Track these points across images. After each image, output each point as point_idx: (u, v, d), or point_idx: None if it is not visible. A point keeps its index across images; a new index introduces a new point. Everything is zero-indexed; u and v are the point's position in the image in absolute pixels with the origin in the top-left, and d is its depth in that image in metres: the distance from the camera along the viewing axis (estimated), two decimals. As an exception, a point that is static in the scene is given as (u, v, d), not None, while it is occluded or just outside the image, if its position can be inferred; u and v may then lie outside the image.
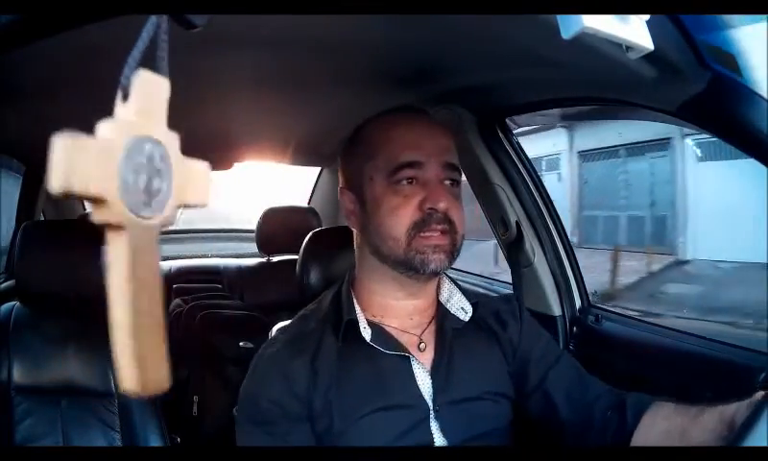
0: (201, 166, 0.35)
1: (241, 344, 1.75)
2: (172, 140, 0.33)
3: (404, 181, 0.82)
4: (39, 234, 1.31)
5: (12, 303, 1.30)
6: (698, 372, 1.08)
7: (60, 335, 1.25)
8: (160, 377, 0.32)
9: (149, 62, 0.33)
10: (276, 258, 2.22)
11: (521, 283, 1.39)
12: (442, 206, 0.80)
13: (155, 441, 1.22)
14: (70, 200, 2.30)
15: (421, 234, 0.81)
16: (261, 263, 2.27)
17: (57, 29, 0.50)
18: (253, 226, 2.26)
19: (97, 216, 0.30)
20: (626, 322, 1.29)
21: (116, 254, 0.31)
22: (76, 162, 0.28)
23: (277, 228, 2.18)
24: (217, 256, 2.54)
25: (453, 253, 0.83)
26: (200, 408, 1.81)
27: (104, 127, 0.30)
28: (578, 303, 1.35)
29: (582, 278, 1.37)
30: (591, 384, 0.89)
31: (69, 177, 0.28)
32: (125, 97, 0.32)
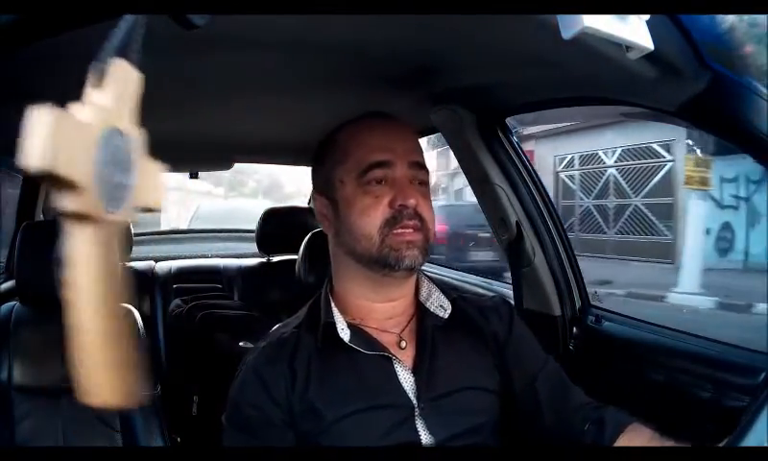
0: (155, 167, 0.33)
1: (241, 344, 1.75)
2: (137, 136, 0.32)
3: (374, 182, 0.84)
4: (39, 234, 1.31)
5: (12, 303, 1.30)
6: (698, 372, 1.08)
7: (60, 335, 1.24)
8: (129, 388, 0.29)
9: (124, 53, 0.32)
10: (276, 258, 2.22)
11: (521, 283, 1.39)
12: (411, 201, 0.82)
13: (155, 441, 1.22)
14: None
15: (394, 231, 0.82)
16: (261, 263, 2.26)
17: (57, 29, 0.50)
18: (253, 226, 2.26)
19: (69, 205, 0.28)
20: (626, 322, 1.29)
21: (83, 250, 0.29)
22: (58, 139, 0.26)
23: (277, 228, 2.18)
24: (217, 256, 2.54)
25: (426, 249, 0.85)
26: (200, 408, 1.81)
27: (81, 109, 0.29)
28: (578, 303, 1.35)
29: (582, 277, 1.37)
30: (574, 394, 0.90)
31: (51, 154, 0.25)
32: (99, 82, 0.30)
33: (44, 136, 0.25)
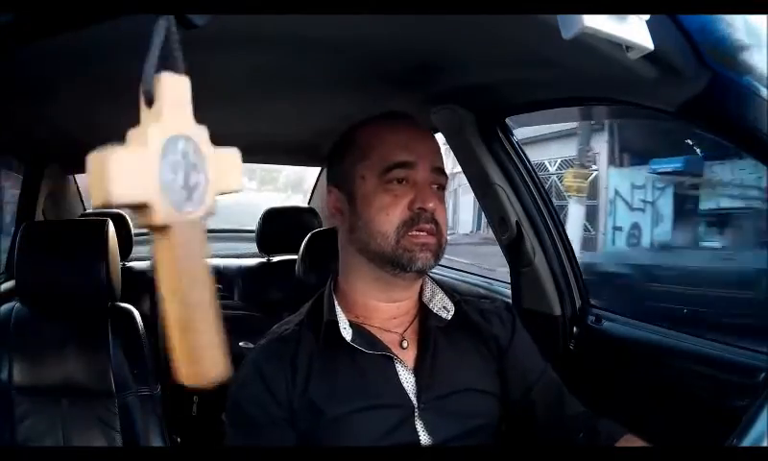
0: (231, 152, 0.37)
1: (241, 344, 1.75)
2: (202, 133, 0.34)
3: (395, 181, 0.84)
4: (39, 234, 1.31)
5: (12, 303, 1.30)
6: (698, 371, 1.08)
7: (60, 335, 1.25)
8: (218, 368, 0.33)
9: (164, 63, 0.34)
10: (276, 258, 2.22)
11: (521, 283, 1.39)
12: (431, 206, 0.83)
13: (155, 441, 1.22)
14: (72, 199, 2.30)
15: (410, 233, 0.83)
16: (261, 263, 2.26)
17: (57, 29, 0.50)
18: (253, 226, 2.26)
19: (143, 220, 0.31)
20: (626, 322, 1.29)
21: (164, 253, 0.32)
22: (116, 175, 0.29)
23: (277, 228, 2.18)
24: (217, 256, 2.54)
25: (439, 253, 0.85)
26: (200, 408, 1.81)
27: (134, 136, 0.31)
28: (578, 302, 1.35)
29: (582, 277, 1.37)
30: (569, 404, 0.90)
31: (111, 190, 0.28)
32: (149, 102, 0.32)
33: (102, 177, 0.28)
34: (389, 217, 0.83)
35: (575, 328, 1.32)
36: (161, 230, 0.31)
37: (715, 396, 1.01)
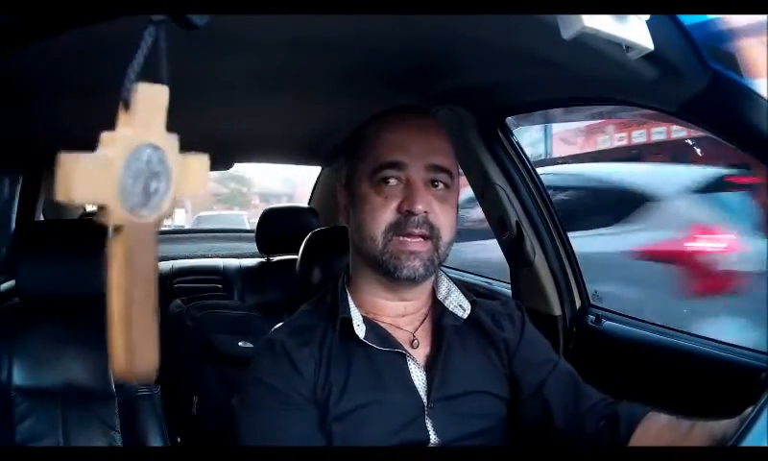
0: (199, 160, 0.38)
1: (241, 344, 1.75)
2: (171, 142, 0.36)
3: (385, 182, 0.81)
4: (39, 234, 1.31)
5: (13, 302, 1.30)
6: (698, 371, 1.08)
7: (60, 335, 1.25)
8: (149, 365, 0.35)
9: (149, 68, 0.35)
10: (275, 258, 2.22)
11: (521, 283, 1.39)
12: (419, 208, 0.79)
13: (155, 441, 1.22)
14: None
15: (398, 238, 0.80)
16: (261, 263, 2.26)
17: (57, 30, 0.50)
18: (253, 226, 2.26)
19: (100, 218, 0.34)
20: (626, 322, 1.29)
21: (115, 251, 0.34)
22: (77, 178, 0.31)
23: (277, 228, 2.18)
24: (217, 256, 2.54)
25: (432, 260, 0.82)
26: (200, 408, 1.81)
27: (105, 140, 0.33)
28: (578, 303, 1.35)
29: (582, 277, 1.37)
30: (586, 394, 0.88)
31: (72, 191, 0.31)
32: (126, 107, 0.34)
33: (65, 178, 0.31)
34: (376, 220, 0.80)
35: (575, 328, 1.32)
36: (116, 229, 0.34)
37: (715, 396, 1.01)
